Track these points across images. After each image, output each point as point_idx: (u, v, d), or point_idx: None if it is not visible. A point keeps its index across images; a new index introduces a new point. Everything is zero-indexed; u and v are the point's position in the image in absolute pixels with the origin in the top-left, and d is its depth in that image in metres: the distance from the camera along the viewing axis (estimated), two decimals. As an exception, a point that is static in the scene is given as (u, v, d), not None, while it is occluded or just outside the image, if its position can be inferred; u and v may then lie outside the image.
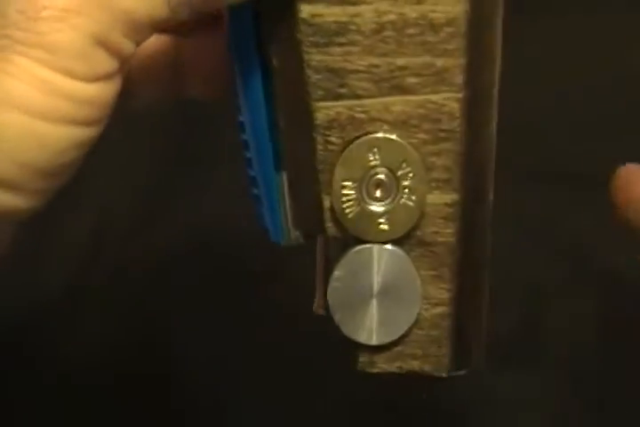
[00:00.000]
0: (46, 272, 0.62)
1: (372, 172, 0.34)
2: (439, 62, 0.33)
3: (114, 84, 0.31)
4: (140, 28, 0.31)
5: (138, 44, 0.31)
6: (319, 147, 0.34)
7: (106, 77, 0.31)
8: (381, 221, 0.34)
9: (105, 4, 0.30)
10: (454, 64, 0.33)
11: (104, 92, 0.31)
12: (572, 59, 0.61)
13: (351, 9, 0.32)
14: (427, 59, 0.33)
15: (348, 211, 0.34)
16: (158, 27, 0.31)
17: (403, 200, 0.34)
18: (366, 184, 0.34)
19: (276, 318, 0.59)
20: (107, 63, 0.31)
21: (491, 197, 0.35)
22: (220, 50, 0.35)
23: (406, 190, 0.34)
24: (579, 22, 0.63)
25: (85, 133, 0.31)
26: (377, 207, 0.34)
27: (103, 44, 0.30)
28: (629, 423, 0.54)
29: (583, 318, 0.59)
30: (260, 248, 0.61)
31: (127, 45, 0.31)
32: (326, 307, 0.35)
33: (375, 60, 0.33)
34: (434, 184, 0.34)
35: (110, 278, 0.62)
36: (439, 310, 0.35)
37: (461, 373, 0.36)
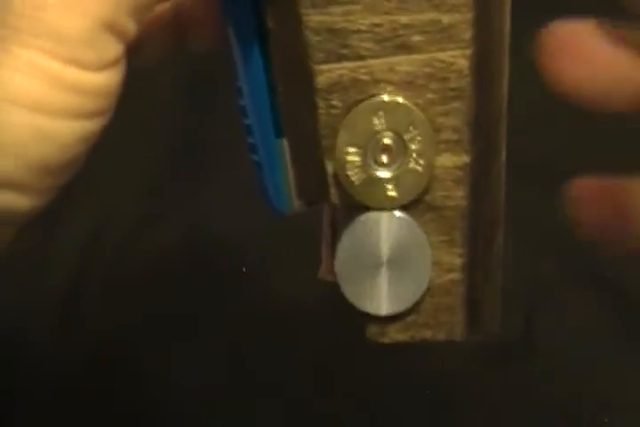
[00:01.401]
0: (45, 272, 0.61)
1: (378, 136, 0.32)
2: (445, 18, 0.31)
3: (120, 70, 0.30)
4: (144, 6, 0.30)
5: (140, 23, 0.30)
6: (321, 111, 0.33)
7: (113, 64, 0.29)
8: (389, 187, 0.33)
9: None
10: (461, 19, 0.31)
11: (111, 80, 0.30)
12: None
13: None
14: (432, 15, 0.31)
15: (353, 177, 0.33)
16: (160, 1, 0.30)
17: (411, 165, 0.32)
18: (372, 149, 0.32)
19: (276, 318, 0.58)
20: (114, 48, 0.29)
21: (503, 157, 0.34)
22: None
23: (414, 154, 0.32)
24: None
25: (92, 126, 0.29)
26: (384, 173, 0.32)
27: (110, 27, 0.28)
28: (630, 424, 0.53)
29: (583, 318, 0.58)
30: (260, 249, 0.61)
31: (132, 26, 0.29)
32: (334, 273, 0.34)
33: (377, 19, 0.31)
34: (443, 146, 0.32)
35: (110, 279, 0.62)
36: (451, 276, 0.34)
37: (476, 338, 0.35)
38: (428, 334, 0.34)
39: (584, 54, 0.28)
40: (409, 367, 0.54)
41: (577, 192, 0.31)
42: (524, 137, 0.54)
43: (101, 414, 0.55)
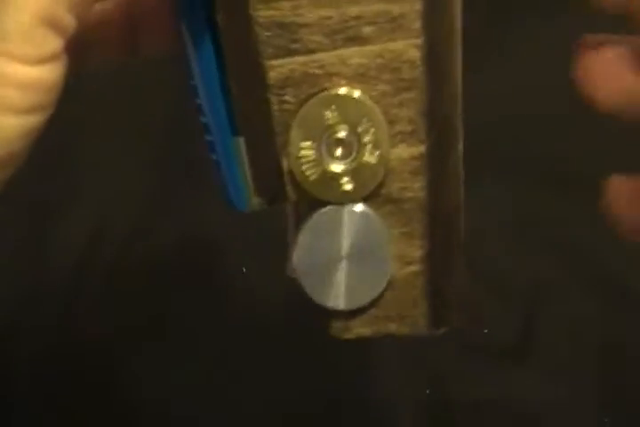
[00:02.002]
0: (45, 273, 0.61)
1: (331, 130, 0.32)
2: (395, 9, 0.31)
3: (60, 64, 0.30)
4: (84, 2, 0.29)
5: (80, 18, 0.30)
6: (274, 107, 0.32)
7: (52, 58, 0.29)
8: (344, 180, 0.32)
9: None
10: (411, 9, 0.31)
11: (51, 74, 0.29)
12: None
13: None
14: (381, 6, 0.31)
15: (308, 173, 0.32)
16: None
17: (365, 157, 0.32)
18: (326, 143, 0.32)
19: (276, 318, 0.58)
20: (53, 42, 0.29)
21: (460, 146, 0.34)
22: None
23: (368, 146, 0.32)
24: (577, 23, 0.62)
25: (34, 121, 0.29)
26: (338, 167, 0.32)
27: (48, 21, 0.28)
28: (630, 424, 0.53)
29: (583, 318, 0.58)
30: (260, 249, 0.60)
31: (71, 21, 0.29)
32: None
33: (326, 12, 0.31)
34: (398, 137, 0.32)
35: (109, 279, 0.61)
36: (412, 268, 0.33)
37: (441, 331, 0.35)
38: (392, 327, 0.34)
39: (613, 75, 0.30)
40: (409, 367, 0.54)
41: (614, 191, 0.31)
42: (529, 139, 0.54)
43: (100, 414, 0.55)
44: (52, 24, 0.29)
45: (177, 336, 0.58)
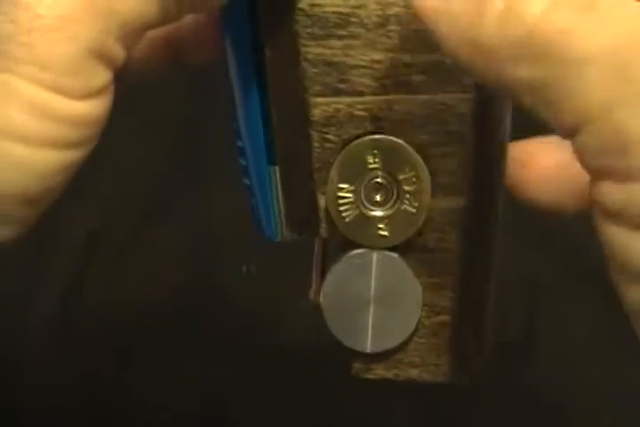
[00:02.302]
0: (44, 272, 0.60)
1: (372, 175, 0.31)
2: (449, 60, 0.30)
3: (107, 98, 0.28)
4: (134, 33, 0.28)
5: (129, 49, 0.28)
6: (315, 144, 0.31)
7: (100, 92, 0.27)
8: (381, 226, 0.31)
9: (103, 8, 0.26)
10: None
11: (97, 108, 0.28)
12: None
13: (353, 0, 0.29)
14: (434, 56, 0.30)
15: (344, 214, 0.32)
16: (150, 29, 0.28)
17: (404, 206, 0.31)
18: (365, 187, 0.31)
19: (277, 319, 0.57)
20: (101, 75, 0.27)
21: (500, 201, 0.33)
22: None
23: (408, 195, 0.31)
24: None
25: (74, 156, 0.28)
26: (376, 212, 0.31)
27: (99, 54, 0.27)
28: (630, 424, 0.53)
29: (583, 318, 0.57)
30: (260, 250, 0.60)
31: (121, 53, 0.28)
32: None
33: (378, 56, 0.30)
34: (439, 188, 0.31)
35: (109, 279, 0.61)
36: (440, 318, 0.33)
37: (461, 382, 0.34)
38: (413, 373, 0.33)
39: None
40: None
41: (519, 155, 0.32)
42: (529, 137, 0.53)
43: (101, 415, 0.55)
44: (102, 56, 0.27)
45: (177, 336, 0.58)
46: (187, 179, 0.64)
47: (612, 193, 0.23)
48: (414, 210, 0.31)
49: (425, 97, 0.30)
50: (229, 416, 0.55)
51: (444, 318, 0.33)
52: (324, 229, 0.32)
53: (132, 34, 0.28)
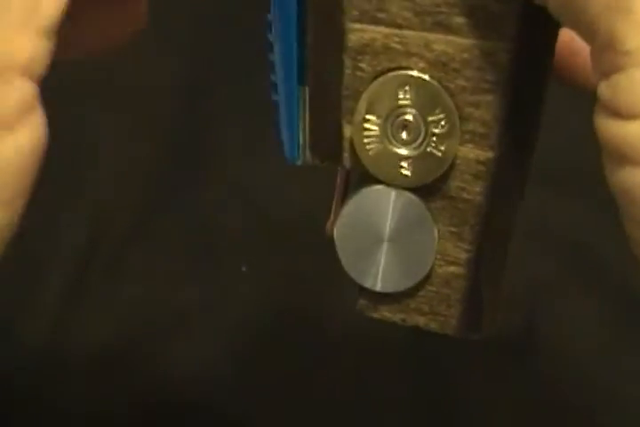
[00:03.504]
0: (44, 273, 0.60)
1: (400, 111, 0.29)
2: (493, 6, 0.27)
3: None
4: None
5: None
6: (347, 71, 0.30)
7: None
8: (403, 165, 0.30)
9: None
10: (510, 11, 0.27)
11: None
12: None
13: None
14: (480, 0, 0.27)
15: (368, 147, 0.30)
16: None
17: (430, 148, 0.29)
18: (392, 123, 0.29)
19: (276, 318, 0.57)
20: None
21: (531, 160, 0.31)
22: None
23: (435, 138, 0.29)
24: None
25: None
26: (400, 150, 0.30)
27: None
28: (630, 424, 0.52)
29: (583, 318, 0.56)
30: (261, 249, 0.58)
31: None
32: None
33: None
34: (468, 137, 0.29)
35: (108, 279, 0.60)
36: (453, 268, 0.31)
37: (471, 337, 0.33)
38: (420, 320, 0.32)
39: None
40: (409, 367, 0.53)
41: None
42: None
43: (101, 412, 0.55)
44: None
45: (177, 336, 0.57)
46: (187, 179, 0.63)
47: (602, 88, 0.24)
48: (440, 154, 0.29)
49: (464, 40, 0.28)
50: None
51: (458, 269, 0.31)
52: (346, 159, 0.31)
53: None
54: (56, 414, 0.55)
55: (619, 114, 0.23)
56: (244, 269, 0.59)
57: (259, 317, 0.56)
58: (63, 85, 0.58)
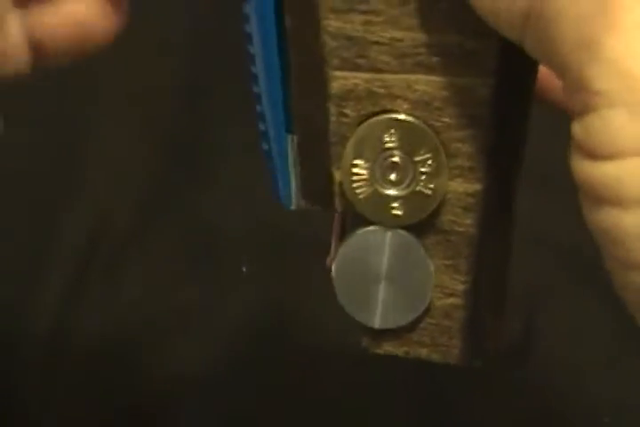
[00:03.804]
0: (44, 273, 0.60)
1: (387, 153, 0.30)
2: (470, 44, 0.28)
3: None
4: None
5: None
6: (332, 118, 0.30)
7: None
8: (395, 205, 0.31)
9: None
10: (487, 47, 0.28)
11: None
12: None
13: None
14: (455, 38, 0.28)
15: (358, 191, 0.31)
16: None
17: (419, 187, 0.30)
18: (380, 165, 0.30)
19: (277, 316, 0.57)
20: None
21: (517, 188, 0.32)
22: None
23: (423, 177, 0.30)
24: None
25: None
26: (390, 191, 0.31)
27: None
28: (630, 424, 0.52)
29: (583, 318, 0.56)
30: (262, 248, 0.59)
31: None
32: None
33: (398, 34, 0.29)
34: (456, 171, 0.30)
35: (108, 279, 0.60)
36: (452, 300, 0.32)
37: (474, 365, 0.34)
38: (423, 352, 0.33)
39: None
40: (408, 367, 0.53)
41: None
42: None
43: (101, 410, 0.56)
44: None
45: (177, 336, 0.58)
46: (186, 179, 0.63)
47: (576, 128, 0.24)
48: (429, 192, 0.30)
49: (444, 79, 0.29)
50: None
51: (456, 300, 0.32)
52: (338, 203, 0.32)
53: None
54: (56, 413, 0.55)
55: (593, 155, 0.24)
56: (244, 269, 0.59)
57: (259, 317, 0.56)
58: (63, 86, 0.59)
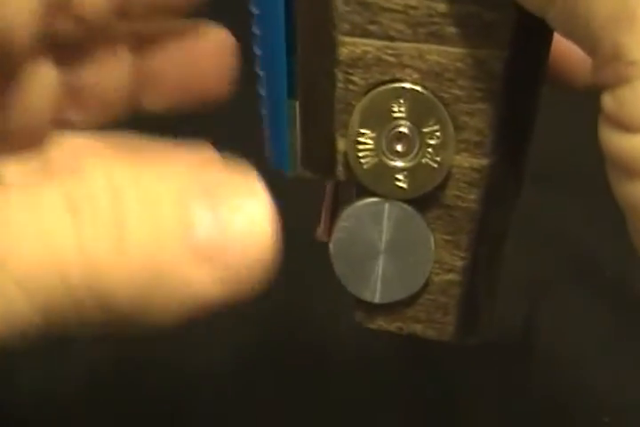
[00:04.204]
0: None
1: (395, 123, 0.29)
2: (487, 15, 0.27)
3: None
4: None
5: None
6: (339, 85, 0.29)
7: None
8: (399, 177, 0.30)
9: None
10: (504, 19, 0.27)
11: None
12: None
13: None
14: (473, 8, 0.27)
15: (363, 160, 0.30)
16: None
17: (425, 160, 0.29)
18: (387, 135, 0.29)
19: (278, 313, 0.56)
20: None
21: (525, 167, 0.31)
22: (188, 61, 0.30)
23: (430, 149, 0.29)
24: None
25: None
26: (396, 162, 0.30)
27: None
28: (630, 424, 0.52)
29: (583, 318, 0.56)
30: None
31: None
32: (328, 234, 0.33)
33: (414, 2, 0.27)
34: (463, 145, 0.29)
35: None
36: (450, 276, 0.31)
37: (467, 343, 0.33)
38: (417, 328, 0.32)
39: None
40: (408, 367, 0.53)
41: None
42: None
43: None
44: None
45: (177, 336, 0.57)
46: None
47: (607, 100, 0.24)
48: (435, 165, 0.29)
49: (458, 50, 0.28)
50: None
51: (454, 276, 0.31)
52: (340, 173, 0.31)
53: None
54: (56, 413, 0.54)
55: (625, 126, 0.23)
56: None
57: (259, 317, 0.56)
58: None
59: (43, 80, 0.26)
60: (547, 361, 0.54)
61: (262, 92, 0.31)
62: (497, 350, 0.51)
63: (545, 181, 0.54)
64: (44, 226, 0.22)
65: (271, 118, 0.31)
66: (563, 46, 0.30)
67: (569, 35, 0.25)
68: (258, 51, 0.31)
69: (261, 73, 0.31)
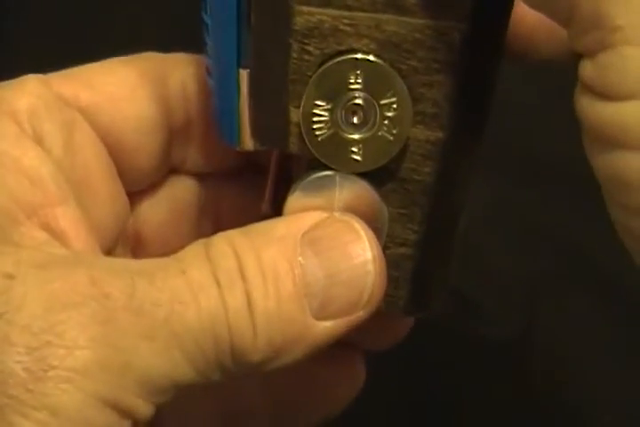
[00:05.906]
0: None
1: (351, 95, 0.28)
2: None
3: None
4: (160, 390, 0.26)
5: (159, 405, 0.27)
6: (294, 55, 0.28)
7: None
8: (354, 150, 0.29)
9: (117, 364, 0.25)
10: None
11: None
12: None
13: None
14: None
15: (317, 132, 0.29)
16: (183, 388, 0.27)
17: (381, 132, 0.29)
18: (342, 107, 0.29)
19: None
20: (116, 424, 0.26)
21: (482, 140, 0.31)
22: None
23: (387, 122, 0.28)
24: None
25: None
26: (351, 135, 0.29)
27: (113, 405, 0.25)
28: (630, 424, 0.52)
29: (583, 318, 0.56)
30: None
31: (143, 408, 0.26)
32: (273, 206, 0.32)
33: None
34: (419, 117, 0.29)
35: None
36: (402, 250, 0.31)
37: (417, 316, 0.33)
38: None
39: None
40: (408, 367, 0.52)
41: None
42: (527, 138, 0.50)
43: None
44: (118, 408, 0.26)
45: None
46: None
47: (587, 68, 0.23)
48: (392, 137, 0.29)
49: (416, 21, 0.27)
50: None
51: (407, 250, 0.31)
52: (293, 144, 0.30)
53: (159, 390, 0.26)
54: None
55: (606, 95, 0.23)
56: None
57: None
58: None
59: None
60: (547, 361, 0.54)
61: (210, 60, 0.30)
62: (497, 349, 0.51)
63: (545, 180, 0.54)
64: (199, 296, 0.26)
65: (219, 88, 0.31)
66: (523, 17, 0.30)
67: (539, 6, 0.24)
68: (207, 18, 0.30)
69: (210, 41, 0.30)
